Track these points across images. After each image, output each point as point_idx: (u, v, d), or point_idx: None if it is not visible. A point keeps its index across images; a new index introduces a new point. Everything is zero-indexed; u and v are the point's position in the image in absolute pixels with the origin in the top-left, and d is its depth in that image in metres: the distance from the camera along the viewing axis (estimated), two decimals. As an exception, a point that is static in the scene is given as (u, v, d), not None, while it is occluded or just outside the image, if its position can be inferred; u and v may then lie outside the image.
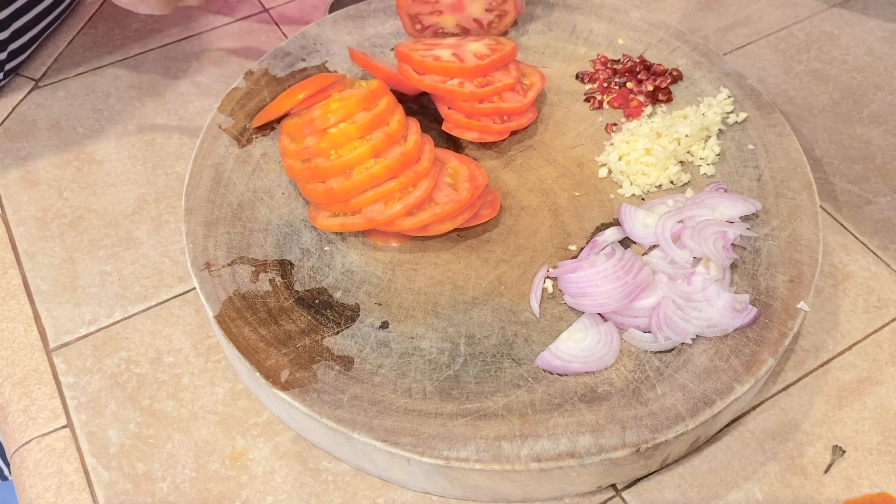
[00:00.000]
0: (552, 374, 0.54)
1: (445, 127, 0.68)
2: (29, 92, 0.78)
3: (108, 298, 0.63)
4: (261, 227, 0.62)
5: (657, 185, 0.65)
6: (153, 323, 0.62)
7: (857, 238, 0.67)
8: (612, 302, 0.56)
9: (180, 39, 0.84)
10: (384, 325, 0.57)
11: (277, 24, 0.85)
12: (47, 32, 0.82)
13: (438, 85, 0.66)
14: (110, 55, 0.82)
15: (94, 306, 0.63)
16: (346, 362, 0.54)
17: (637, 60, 0.73)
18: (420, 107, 0.71)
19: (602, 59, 0.74)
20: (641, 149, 0.65)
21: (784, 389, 0.58)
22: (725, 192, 0.63)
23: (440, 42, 0.69)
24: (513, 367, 0.54)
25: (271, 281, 0.59)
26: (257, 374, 0.53)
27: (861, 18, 0.86)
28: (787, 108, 0.77)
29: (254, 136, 0.68)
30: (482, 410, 0.52)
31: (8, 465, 0.94)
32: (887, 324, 0.62)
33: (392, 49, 0.75)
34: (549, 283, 0.59)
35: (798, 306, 0.56)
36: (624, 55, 0.74)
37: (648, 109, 0.70)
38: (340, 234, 0.62)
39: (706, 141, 0.67)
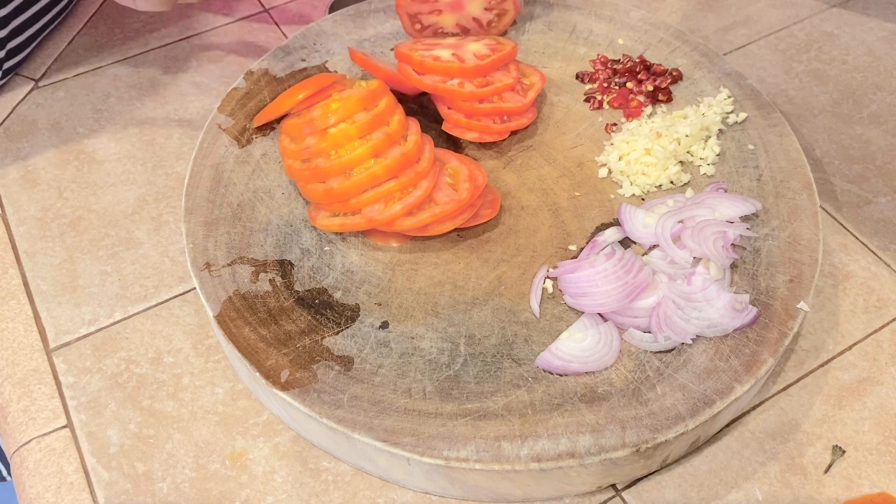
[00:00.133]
0: (552, 374, 0.54)
1: (445, 127, 0.68)
2: (29, 92, 0.78)
3: (108, 298, 0.63)
4: (261, 227, 0.62)
5: (657, 185, 0.65)
6: (153, 323, 0.62)
7: (857, 238, 0.67)
8: (612, 302, 0.56)
9: (180, 39, 0.84)
10: (384, 325, 0.57)
11: (277, 24, 0.85)
12: (46, 31, 0.82)
13: (438, 85, 0.66)
14: (110, 55, 0.82)
15: (94, 306, 0.63)
16: (346, 362, 0.54)
17: (637, 60, 0.73)
18: (420, 107, 0.71)
19: (602, 59, 0.74)
20: (641, 149, 0.65)
21: (784, 389, 0.58)
22: (725, 192, 0.63)
23: (440, 42, 0.69)
24: (513, 367, 0.54)
25: (271, 281, 0.59)
26: (257, 374, 0.53)
27: (861, 18, 0.86)
28: (787, 108, 0.77)
29: (254, 136, 0.68)
30: (482, 410, 0.52)
31: (8, 466, 0.94)
32: (887, 324, 0.62)
33: (392, 49, 0.75)
34: (549, 283, 0.59)
35: (798, 306, 0.56)
36: (624, 55, 0.74)
37: (648, 109, 0.70)
38: (340, 234, 0.62)
39: (706, 141, 0.67)
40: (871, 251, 0.66)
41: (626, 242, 0.61)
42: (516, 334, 0.56)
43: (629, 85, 0.71)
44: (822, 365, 0.59)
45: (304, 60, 0.74)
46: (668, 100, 0.71)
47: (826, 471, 0.54)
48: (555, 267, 0.60)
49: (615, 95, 0.71)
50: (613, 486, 0.54)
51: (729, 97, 0.70)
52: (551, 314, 0.57)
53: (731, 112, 0.69)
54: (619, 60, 0.74)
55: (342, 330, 0.56)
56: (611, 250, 0.58)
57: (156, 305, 0.63)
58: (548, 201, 0.64)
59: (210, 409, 0.57)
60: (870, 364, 0.59)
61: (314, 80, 0.65)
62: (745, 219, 0.61)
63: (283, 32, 0.84)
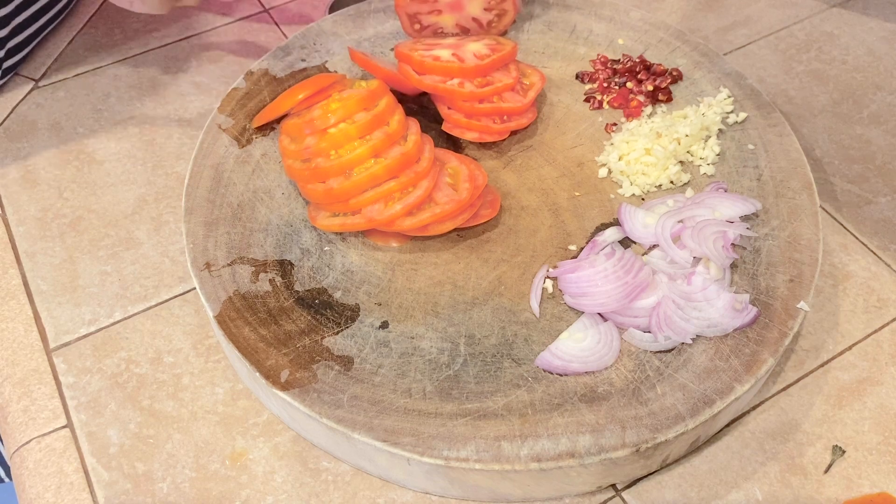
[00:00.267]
0: (552, 374, 0.54)
1: (445, 127, 0.68)
2: (29, 92, 0.78)
3: (108, 298, 0.63)
4: (261, 227, 0.62)
5: (657, 185, 0.65)
6: (153, 323, 0.62)
7: (857, 238, 0.67)
8: (612, 302, 0.56)
9: (180, 39, 0.84)
10: (384, 325, 0.57)
11: (277, 24, 0.85)
12: (46, 31, 0.82)
13: (438, 85, 0.66)
14: (110, 55, 0.82)
15: (94, 306, 0.63)
16: (346, 362, 0.54)
17: (637, 60, 0.73)
18: (420, 107, 0.71)
19: (602, 59, 0.74)
20: (641, 149, 0.65)
21: (784, 389, 0.58)
22: (725, 191, 0.63)
23: (440, 42, 0.69)
24: (513, 367, 0.54)
25: (271, 281, 0.59)
26: (257, 374, 0.53)
27: (861, 18, 0.86)
28: (787, 108, 0.77)
29: (254, 136, 0.68)
30: (482, 410, 0.52)
31: (7, 469, 0.94)
32: (887, 324, 0.62)
33: (392, 49, 0.75)
34: (549, 283, 0.59)
35: (798, 306, 0.56)
36: (624, 55, 0.74)
37: (648, 109, 0.70)
38: (340, 234, 0.62)
39: (706, 141, 0.67)
40: (871, 251, 0.66)
41: (626, 242, 0.61)
42: (516, 334, 0.56)
43: (629, 85, 0.71)
44: (822, 365, 0.59)
45: (304, 60, 0.74)
46: (668, 100, 0.71)
47: (826, 471, 0.54)
48: (555, 267, 0.60)
49: (615, 95, 0.71)
50: (613, 486, 0.54)
51: (729, 97, 0.70)
52: (551, 314, 0.57)
53: (731, 112, 0.69)
54: (619, 60, 0.74)
55: (342, 330, 0.56)
56: (611, 250, 0.58)
57: (156, 305, 0.63)
58: (548, 201, 0.64)
59: (210, 409, 0.57)
60: (870, 364, 0.59)
61: (314, 80, 0.65)
62: (745, 219, 0.61)
63: (283, 32, 0.84)
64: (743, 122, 0.68)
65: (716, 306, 0.55)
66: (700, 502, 0.53)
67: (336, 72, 0.73)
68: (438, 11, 0.74)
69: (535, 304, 0.57)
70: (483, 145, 0.68)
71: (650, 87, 0.71)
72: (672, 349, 0.55)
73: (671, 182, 0.65)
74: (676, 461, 0.55)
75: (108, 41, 0.83)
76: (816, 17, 0.86)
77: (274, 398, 0.54)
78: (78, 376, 0.59)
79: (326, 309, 0.57)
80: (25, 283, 0.64)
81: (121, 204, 0.69)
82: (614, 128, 0.69)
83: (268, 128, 0.68)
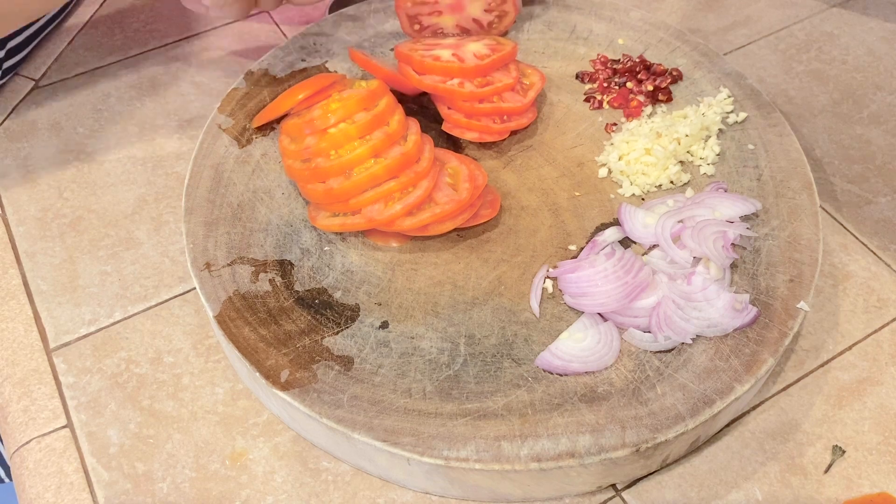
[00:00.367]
0: (552, 374, 0.54)
1: (445, 127, 0.68)
2: (29, 92, 0.78)
3: (108, 298, 0.63)
4: (261, 227, 0.62)
5: (657, 185, 0.65)
6: (153, 323, 0.62)
7: (857, 238, 0.67)
8: (612, 302, 0.56)
9: (180, 39, 0.84)
10: (384, 325, 0.57)
11: (277, 24, 0.85)
12: (46, 31, 0.82)
13: (438, 85, 0.66)
14: (110, 55, 0.82)
15: (94, 306, 0.63)
16: (346, 362, 0.54)
17: (637, 60, 0.73)
18: (420, 107, 0.71)
19: (602, 59, 0.74)
20: (641, 149, 0.65)
21: (784, 389, 0.58)
22: (725, 191, 0.63)
23: (440, 42, 0.69)
24: (513, 367, 0.54)
25: (271, 281, 0.59)
26: (257, 374, 0.53)
27: (861, 18, 0.86)
28: (787, 108, 0.77)
29: (254, 136, 0.68)
30: (482, 410, 0.52)
31: (7, 469, 0.94)
32: (887, 324, 0.62)
33: (392, 49, 0.75)
34: (549, 283, 0.59)
35: (798, 306, 0.56)
36: (624, 55, 0.74)
37: (648, 109, 0.70)
38: (340, 234, 0.62)
39: (706, 141, 0.67)
40: (871, 251, 0.66)
41: (626, 242, 0.61)
42: (516, 334, 0.56)
43: (629, 85, 0.71)
44: (822, 365, 0.59)
45: (304, 60, 0.74)
46: (668, 100, 0.71)
47: (826, 471, 0.54)
48: (555, 267, 0.60)
49: (615, 95, 0.71)
50: (613, 486, 0.54)
51: (729, 97, 0.70)
52: (551, 314, 0.57)
53: (731, 112, 0.69)
54: (619, 60, 0.74)
55: (342, 330, 0.56)
56: (611, 250, 0.58)
57: (156, 305, 0.63)
58: (548, 201, 0.64)
59: (210, 409, 0.57)
60: (870, 364, 0.59)
61: (314, 80, 0.65)
62: (745, 219, 0.61)
63: (283, 32, 0.84)
64: (743, 122, 0.68)
65: (716, 306, 0.55)
66: (700, 502, 0.53)
67: (336, 72, 0.73)
68: (439, 12, 0.74)
69: (535, 304, 0.57)
70: (483, 145, 0.68)
71: (650, 87, 0.71)
72: (672, 349, 0.55)
73: (671, 182, 0.65)
74: (676, 461, 0.55)
75: (108, 41, 0.83)
76: (816, 17, 0.86)
77: (274, 398, 0.54)
78: (78, 376, 0.59)
79: (326, 309, 0.57)
80: (25, 283, 0.64)
81: (121, 204, 0.69)
82: (614, 128, 0.69)
83: (268, 128, 0.68)
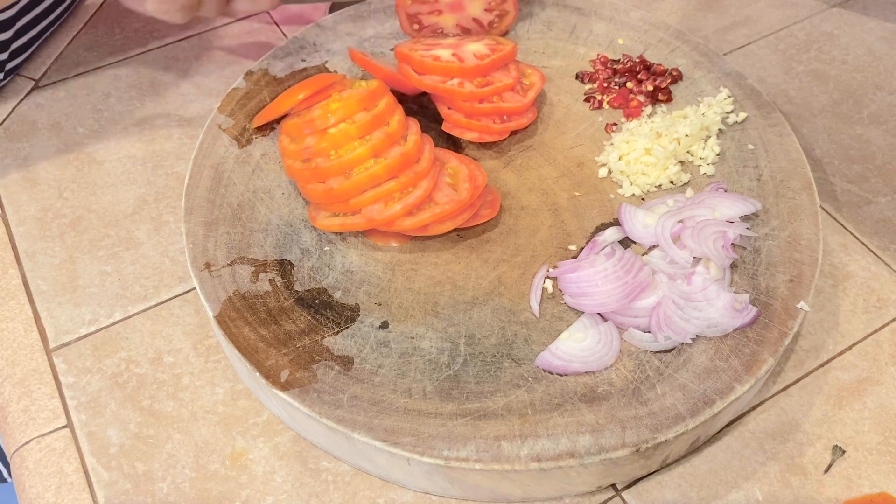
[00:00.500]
0: (552, 374, 0.54)
1: (445, 127, 0.68)
2: (29, 92, 0.78)
3: (108, 298, 0.63)
4: (261, 227, 0.62)
5: (657, 185, 0.65)
6: (153, 323, 0.62)
7: (857, 238, 0.67)
8: (612, 302, 0.56)
9: (180, 39, 0.84)
10: (384, 325, 0.57)
11: (277, 24, 0.85)
12: (48, 32, 0.82)
13: (438, 85, 0.66)
14: (110, 55, 0.82)
15: (94, 306, 0.63)
16: (346, 362, 0.54)
17: (637, 60, 0.73)
18: (420, 107, 0.71)
19: (602, 59, 0.74)
20: (641, 149, 0.65)
21: (784, 389, 0.58)
22: (725, 191, 0.63)
23: (440, 42, 0.69)
24: (513, 367, 0.54)
25: (271, 281, 0.59)
26: (257, 374, 0.53)
27: (861, 18, 0.86)
28: (787, 108, 0.77)
29: (254, 136, 0.68)
30: (482, 410, 0.52)
31: (8, 466, 0.94)
32: (887, 324, 0.62)
33: (392, 49, 0.75)
34: (549, 283, 0.59)
35: (798, 306, 0.56)
36: (624, 55, 0.74)
37: (648, 109, 0.70)
38: (340, 234, 0.62)
39: (706, 141, 0.67)
40: (871, 251, 0.66)
41: (626, 242, 0.61)
42: (516, 334, 0.56)
43: (629, 85, 0.71)
44: (822, 365, 0.59)
45: (304, 60, 0.74)
46: (668, 100, 0.71)
47: (826, 471, 0.54)
48: (555, 267, 0.60)
49: (615, 95, 0.71)
50: (613, 486, 0.54)
51: (729, 97, 0.70)
52: (551, 314, 0.57)
53: (731, 112, 0.69)
54: (619, 60, 0.74)
55: (342, 330, 0.56)
56: (611, 250, 0.58)
57: (156, 305, 0.63)
58: (548, 201, 0.64)
59: (210, 409, 0.57)
60: (870, 364, 0.59)
61: (314, 80, 0.65)
62: (745, 219, 0.61)
63: (283, 32, 0.84)
64: (743, 122, 0.68)
65: (716, 306, 0.55)
66: (700, 502, 0.53)
67: (336, 72, 0.73)
68: (439, 11, 0.74)
69: (535, 304, 0.57)
70: (483, 145, 0.68)
71: (650, 87, 0.71)
72: (672, 349, 0.55)
73: (671, 182, 0.65)
74: (676, 461, 0.55)
75: (108, 41, 0.83)
76: (816, 17, 0.86)
77: (274, 398, 0.54)
78: (78, 376, 0.59)
79: (326, 309, 0.57)
80: (25, 283, 0.64)
81: (121, 204, 0.69)
82: (614, 128, 0.69)
83: (268, 128, 0.68)
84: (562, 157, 0.67)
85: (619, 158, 0.66)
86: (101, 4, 0.87)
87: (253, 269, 0.59)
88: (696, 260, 0.58)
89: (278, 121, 0.68)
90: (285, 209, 0.63)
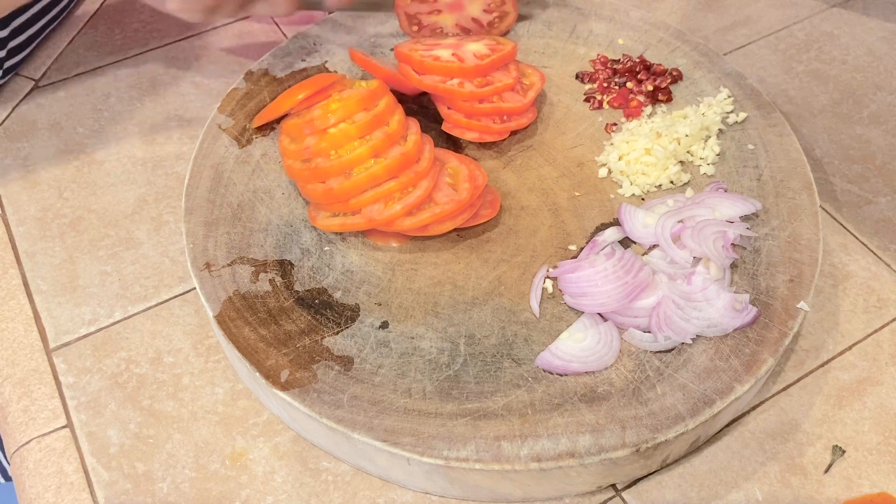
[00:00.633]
0: (552, 374, 0.54)
1: (445, 127, 0.68)
2: (29, 92, 0.78)
3: (108, 298, 0.63)
4: (261, 227, 0.62)
5: (657, 185, 0.65)
6: (153, 323, 0.62)
7: (857, 238, 0.67)
8: (612, 302, 0.56)
9: (180, 39, 0.84)
10: (384, 325, 0.57)
11: (277, 25, 0.85)
12: (47, 31, 0.82)
13: (438, 85, 0.66)
14: (110, 55, 0.82)
15: (94, 306, 0.63)
16: (346, 362, 0.54)
17: (637, 60, 0.73)
18: (420, 107, 0.71)
19: (602, 59, 0.74)
20: (641, 149, 0.65)
21: (784, 389, 0.58)
22: (725, 191, 0.63)
23: (440, 42, 0.69)
24: (513, 367, 0.54)
25: (271, 281, 0.59)
26: (257, 374, 0.53)
27: (861, 18, 0.86)
28: (787, 108, 0.77)
29: (254, 136, 0.68)
30: (482, 410, 0.52)
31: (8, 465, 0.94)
32: (887, 324, 0.62)
33: (392, 49, 0.75)
34: (549, 283, 0.59)
35: (798, 306, 0.56)
36: (624, 55, 0.74)
37: (648, 109, 0.70)
38: (340, 234, 0.62)
39: (706, 141, 0.67)
40: (871, 251, 0.66)
41: (626, 242, 0.61)
42: (516, 334, 0.56)
43: (629, 85, 0.71)
44: (822, 365, 0.59)
45: (304, 60, 0.74)
46: (668, 100, 0.71)
47: (826, 471, 0.54)
48: (555, 267, 0.60)
49: (615, 95, 0.71)
50: (613, 486, 0.54)
51: (729, 97, 0.70)
52: (551, 314, 0.57)
53: (731, 112, 0.69)
54: (619, 60, 0.74)
55: (342, 330, 0.56)
56: (611, 250, 0.58)
57: (156, 305, 0.63)
58: (548, 201, 0.64)
59: (210, 409, 0.57)
60: (870, 364, 0.59)
61: (314, 80, 0.65)
62: (745, 219, 0.61)
63: (283, 32, 0.84)
64: (743, 122, 0.68)
65: (716, 306, 0.55)
66: (700, 502, 0.53)
67: (336, 72, 0.73)
68: (438, 11, 0.74)
69: (535, 304, 0.57)
70: (483, 145, 0.68)
71: (650, 87, 0.71)
72: (672, 349, 0.55)
73: (671, 182, 0.65)
74: (676, 461, 0.55)
75: (108, 41, 0.83)
76: (816, 17, 0.86)
77: (274, 398, 0.54)
78: (78, 376, 0.59)
79: (326, 309, 0.57)
80: (25, 283, 0.64)
81: (121, 204, 0.69)
82: (614, 128, 0.69)
83: (268, 128, 0.68)
84: (562, 157, 0.67)
85: (619, 158, 0.66)
86: (101, 4, 0.87)
87: (253, 269, 0.59)
88: (696, 260, 0.58)
89: (278, 121, 0.68)
90: (285, 209, 0.63)
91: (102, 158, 0.73)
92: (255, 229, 0.62)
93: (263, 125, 0.68)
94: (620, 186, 0.65)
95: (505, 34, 0.76)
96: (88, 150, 0.73)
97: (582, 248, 0.61)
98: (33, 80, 0.80)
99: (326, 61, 0.74)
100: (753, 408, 0.57)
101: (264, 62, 0.73)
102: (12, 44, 0.77)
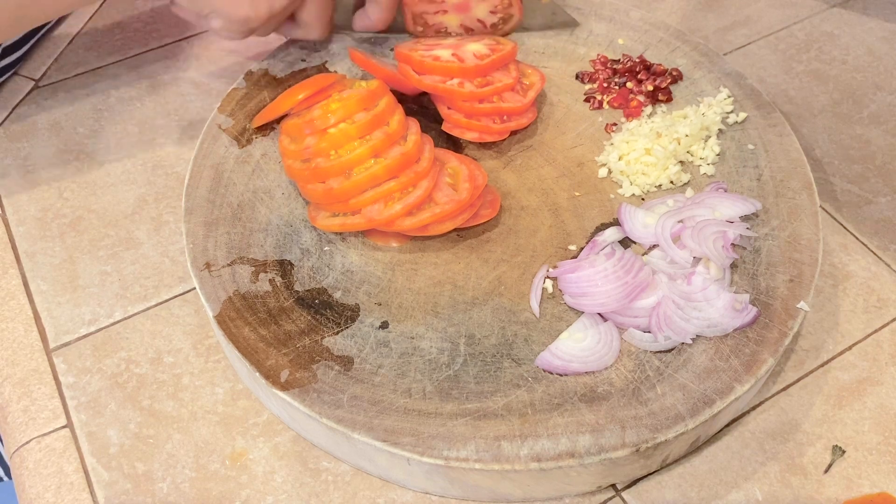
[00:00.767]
0: (552, 374, 0.54)
1: (445, 127, 0.68)
2: (29, 92, 0.78)
3: (108, 298, 0.63)
4: (261, 227, 0.62)
5: (657, 185, 0.65)
6: (153, 323, 0.62)
7: (857, 238, 0.67)
8: (612, 302, 0.56)
9: (180, 39, 0.84)
10: (384, 325, 0.57)
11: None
12: (42, 31, 0.82)
13: (438, 85, 0.66)
14: (110, 55, 0.82)
15: (94, 306, 0.63)
16: (346, 362, 0.54)
17: (637, 60, 0.73)
18: (420, 107, 0.71)
19: (602, 59, 0.74)
20: (641, 149, 0.65)
21: (784, 389, 0.58)
22: (725, 191, 0.63)
23: (440, 42, 0.69)
24: (513, 367, 0.54)
25: (271, 281, 0.59)
26: (257, 374, 0.53)
27: (861, 18, 0.86)
28: (787, 108, 0.77)
29: (254, 136, 0.68)
30: (482, 410, 0.52)
31: (7, 469, 0.94)
32: (887, 324, 0.62)
33: (392, 49, 0.75)
34: (549, 283, 0.59)
35: (798, 306, 0.56)
36: (624, 55, 0.74)
37: (648, 109, 0.70)
38: (340, 234, 0.62)
39: (706, 141, 0.67)
40: (871, 251, 0.66)
41: (626, 242, 0.61)
42: (516, 334, 0.56)
43: (629, 85, 0.71)
44: (822, 365, 0.59)
45: (304, 60, 0.74)
46: (668, 100, 0.71)
47: (826, 471, 0.54)
48: (555, 267, 0.60)
49: (615, 95, 0.71)
50: (613, 486, 0.54)
51: (729, 97, 0.70)
52: (551, 314, 0.57)
53: (731, 112, 0.69)
54: (619, 60, 0.74)
55: (342, 330, 0.56)
56: (611, 250, 0.58)
57: (156, 305, 0.63)
58: (548, 201, 0.64)
59: (210, 409, 0.57)
60: (870, 364, 0.59)
61: (314, 80, 0.65)
62: (745, 219, 0.61)
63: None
64: (743, 122, 0.68)
65: (716, 306, 0.55)
66: (700, 502, 0.53)
67: (336, 72, 0.73)
68: (444, 11, 0.74)
69: (535, 304, 0.57)
70: (483, 145, 0.68)
71: (650, 87, 0.71)
72: (672, 349, 0.55)
73: (671, 182, 0.65)
74: (676, 461, 0.55)
75: (108, 41, 0.83)
76: (816, 17, 0.86)
77: (274, 398, 0.54)
78: (78, 376, 0.59)
79: (326, 309, 0.57)
80: (25, 283, 0.64)
81: (121, 204, 0.69)
82: (614, 128, 0.69)
83: (268, 128, 0.68)
84: (562, 157, 0.67)
85: (619, 158, 0.66)
86: (101, 4, 0.87)
87: (253, 269, 0.59)
88: (696, 260, 0.58)
89: (278, 121, 0.68)
90: (285, 209, 0.63)
91: (102, 158, 0.73)
92: (255, 229, 0.62)
93: (263, 125, 0.68)
94: (620, 186, 0.65)
95: (507, 34, 0.76)
96: (88, 150, 0.73)
97: (582, 248, 0.61)
98: (33, 80, 0.80)
99: (326, 61, 0.74)
100: (753, 408, 0.57)
101: (264, 62, 0.73)
102: (7, 42, 0.77)
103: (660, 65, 0.72)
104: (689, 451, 0.55)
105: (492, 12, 0.74)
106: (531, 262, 0.60)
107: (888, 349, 0.60)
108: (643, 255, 0.60)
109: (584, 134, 0.69)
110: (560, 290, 0.58)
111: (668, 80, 0.71)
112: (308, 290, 0.58)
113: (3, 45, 0.76)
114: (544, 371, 0.54)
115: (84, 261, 0.65)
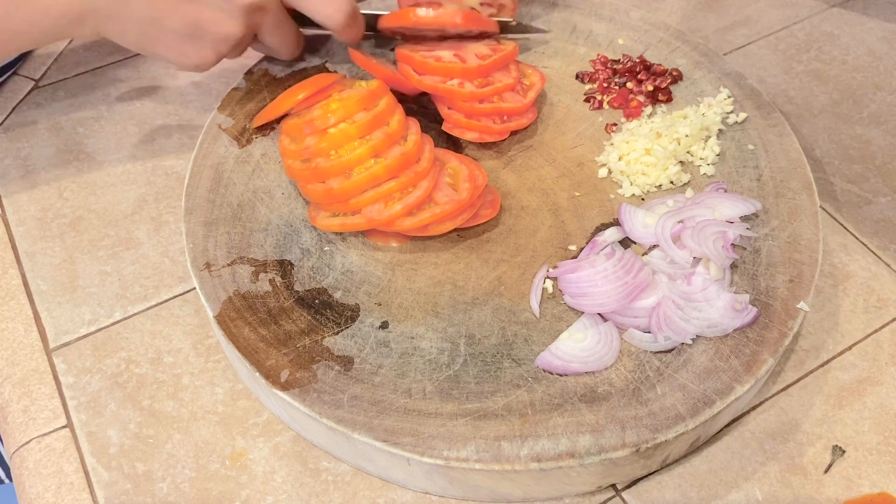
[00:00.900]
0: (552, 374, 0.54)
1: (445, 127, 0.68)
2: (29, 92, 0.78)
3: (108, 298, 0.63)
4: (261, 227, 0.62)
5: (657, 185, 0.65)
6: (153, 323, 0.62)
7: (857, 238, 0.67)
8: (612, 302, 0.56)
9: (180, 39, 0.83)
10: (384, 325, 0.57)
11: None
12: None
13: (438, 85, 0.66)
14: (110, 55, 0.82)
15: (94, 306, 0.63)
16: (346, 362, 0.54)
17: (637, 60, 0.73)
18: (420, 107, 0.71)
19: (602, 59, 0.74)
20: (641, 149, 0.65)
21: (784, 389, 0.58)
22: (725, 192, 0.63)
23: (440, 43, 0.69)
24: (513, 367, 0.54)
25: (271, 281, 0.59)
26: (257, 374, 0.53)
27: (861, 18, 0.86)
28: (787, 108, 0.77)
29: (254, 136, 0.68)
30: (482, 410, 0.52)
31: (7, 470, 0.94)
32: (887, 324, 0.62)
33: (392, 49, 0.75)
34: (549, 283, 0.59)
35: (798, 306, 0.56)
36: (624, 55, 0.74)
37: (648, 109, 0.70)
38: (340, 234, 0.62)
39: (706, 141, 0.67)
40: (871, 251, 0.66)
41: (626, 242, 0.61)
42: (516, 334, 0.56)
43: (629, 85, 0.71)
44: (822, 365, 0.59)
45: (304, 60, 0.74)
46: (668, 100, 0.71)
47: (826, 471, 0.54)
48: (555, 267, 0.60)
49: (615, 95, 0.71)
50: (613, 486, 0.54)
51: (729, 97, 0.70)
52: (551, 314, 0.57)
53: (731, 112, 0.69)
54: (619, 60, 0.74)
55: (342, 330, 0.56)
56: (611, 250, 0.58)
57: (156, 305, 0.63)
58: (548, 201, 0.64)
59: (210, 409, 0.57)
60: (870, 364, 0.59)
61: (314, 80, 0.65)
62: (745, 219, 0.61)
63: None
64: (743, 122, 0.68)
65: (716, 306, 0.55)
66: (700, 502, 0.53)
67: (336, 72, 0.73)
68: (438, 4, 0.74)
69: (535, 304, 0.57)
70: (483, 145, 0.68)
71: (650, 87, 0.71)
72: (672, 349, 0.55)
73: (671, 182, 0.65)
74: (676, 461, 0.55)
75: (108, 41, 0.83)
76: (816, 17, 0.86)
77: (274, 398, 0.54)
78: (78, 376, 0.59)
79: (326, 309, 0.57)
80: (25, 283, 0.64)
81: (121, 204, 0.69)
82: (614, 128, 0.69)
83: (268, 128, 0.68)
84: (562, 157, 0.67)
85: (619, 158, 0.66)
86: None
87: (253, 269, 0.59)
88: (696, 260, 0.58)
89: (278, 121, 0.68)
90: (285, 209, 0.63)
91: (102, 158, 0.73)
92: (255, 229, 0.62)
93: (263, 125, 0.68)
94: (620, 186, 0.65)
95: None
96: (88, 150, 0.73)
97: (582, 249, 0.61)
98: (33, 80, 0.80)
99: (326, 61, 0.74)
100: (753, 408, 0.57)
101: (264, 62, 0.73)
102: None
103: (660, 65, 0.72)
104: (689, 451, 0.55)
105: (483, 3, 0.74)
106: (531, 262, 0.60)
107: (888, 349, 0.60)
108: (643, 255, 0.60)
109: (584, 134, 0.69)
110: (560, 291, 0.58)
111: (668, 81, 0.72)
112: (308, 290, 0.58)
113: None
114: (544, 371, 0.54)
115: (84, 261, 0.65)
